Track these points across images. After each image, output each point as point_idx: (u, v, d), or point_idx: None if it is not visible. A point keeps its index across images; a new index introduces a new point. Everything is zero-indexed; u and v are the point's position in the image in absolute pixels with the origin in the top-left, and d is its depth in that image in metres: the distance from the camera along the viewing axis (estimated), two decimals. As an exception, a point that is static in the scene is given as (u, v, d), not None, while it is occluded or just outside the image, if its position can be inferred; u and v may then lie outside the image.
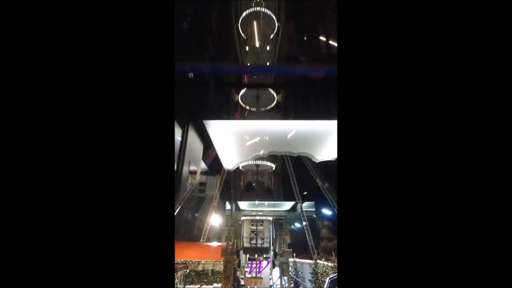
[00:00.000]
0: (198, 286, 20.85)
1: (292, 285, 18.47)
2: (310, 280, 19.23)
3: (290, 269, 18.99)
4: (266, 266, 21.59)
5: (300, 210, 22.23)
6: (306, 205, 26.31)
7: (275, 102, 26.98)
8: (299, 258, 21.83)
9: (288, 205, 27.26)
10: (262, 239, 22.32)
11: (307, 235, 21.28)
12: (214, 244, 25.24)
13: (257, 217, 25.19)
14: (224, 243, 22.27)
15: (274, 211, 27.86)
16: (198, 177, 20.89)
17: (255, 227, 25.43)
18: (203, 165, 21.94)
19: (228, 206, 26.21)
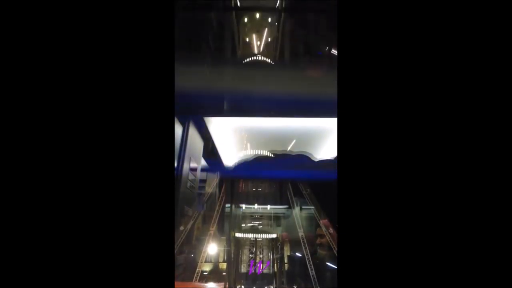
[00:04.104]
0: None
1: None
2: None
3: None
4: (266, 266, 21.21)
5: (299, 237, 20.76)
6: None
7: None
8: None
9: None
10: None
11: (307, 263, 18.82)
12: (210, 286, 20.82)
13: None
14: (222, 285, 19.31)
15: (273, 208, 27.57)
16: (198, 173, 20.27)
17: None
18: (203, 162, 21.47)
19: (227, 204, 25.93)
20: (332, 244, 19.03)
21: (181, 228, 16.73)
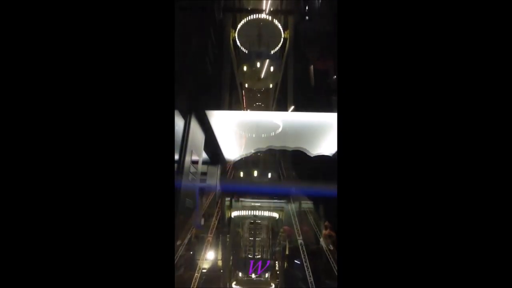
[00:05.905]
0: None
1: None
2: None
3: None
4: (266, 266, 21.20)
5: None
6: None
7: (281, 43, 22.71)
8: None
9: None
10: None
11: (306, 270, 17.54)
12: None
13: None
14: None
15: (272, 202, 27.58)
16: (200, 166, 20.26)
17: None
18: (204, 155, 21.46)
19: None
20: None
21: (178, 242, 16.42)
